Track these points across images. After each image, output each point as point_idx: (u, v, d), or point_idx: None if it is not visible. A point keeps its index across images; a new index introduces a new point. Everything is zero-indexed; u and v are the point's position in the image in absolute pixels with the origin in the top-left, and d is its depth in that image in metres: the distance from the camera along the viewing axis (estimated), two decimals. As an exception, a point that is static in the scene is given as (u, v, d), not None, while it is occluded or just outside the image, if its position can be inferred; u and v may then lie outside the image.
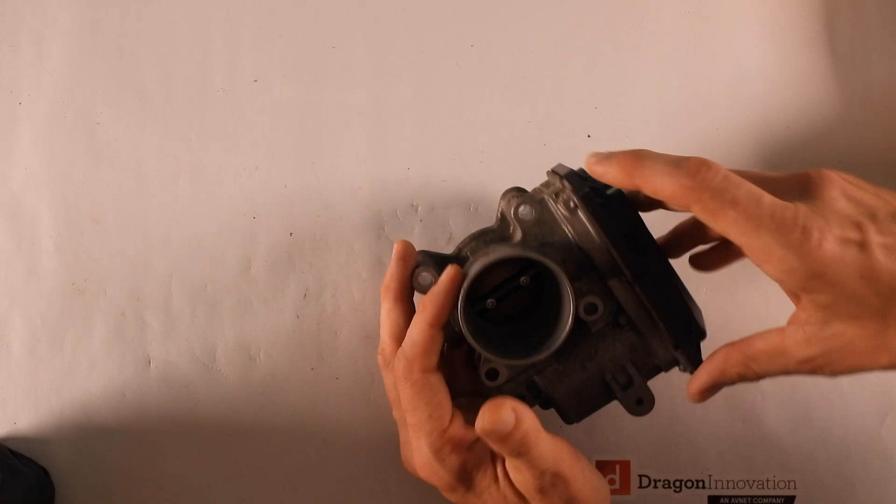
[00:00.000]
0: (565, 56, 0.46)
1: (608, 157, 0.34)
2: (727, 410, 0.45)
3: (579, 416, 0.38)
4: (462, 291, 0.35)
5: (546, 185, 0.38)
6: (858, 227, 0.31)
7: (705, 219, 0.32)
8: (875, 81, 0.47)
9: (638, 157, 0.33)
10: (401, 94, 0.46)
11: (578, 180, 0.36)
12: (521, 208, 0.36)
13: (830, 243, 0.30)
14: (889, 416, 0.45)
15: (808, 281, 0.30)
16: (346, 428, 0.44)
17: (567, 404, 0.38)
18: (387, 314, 0.38)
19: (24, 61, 0.45)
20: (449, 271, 0.36)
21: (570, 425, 0.39)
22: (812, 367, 0.33)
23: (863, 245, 0.30)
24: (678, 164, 0.32)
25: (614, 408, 0.38)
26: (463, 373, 0.40)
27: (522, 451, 0.35)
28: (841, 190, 0.32)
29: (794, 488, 0.45)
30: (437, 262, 0.38)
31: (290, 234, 0.45)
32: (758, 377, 0.35)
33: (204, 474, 0.44)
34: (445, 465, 0.37)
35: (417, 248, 0.45)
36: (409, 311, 0.38)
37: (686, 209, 0.32)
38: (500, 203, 0.38)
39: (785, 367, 0.33)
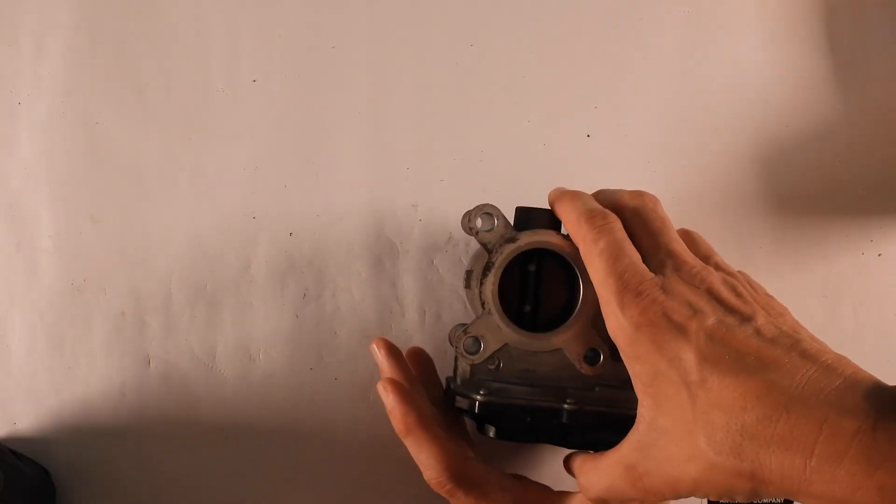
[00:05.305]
0: (565, 56, 0.46)
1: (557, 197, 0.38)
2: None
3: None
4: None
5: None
6: (694, 307, 0.31)
7: (584, 262, 0.35)
8: (875, 81, 0.47)
9: (561, 194, 0.37)
10: (401, 94, 0.46)
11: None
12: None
13: (653, 311, 0.31)
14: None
15: (630, 344, 0.32)
16: (345, 428, 0.44)
17: None
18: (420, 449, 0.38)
19: (23, 61, 0.45)
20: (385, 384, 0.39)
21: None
22: (632, 479, 0.32)
23: (684, 327, 0.31)
24: (589, 208, 0.35)
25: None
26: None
27: None
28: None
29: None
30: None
31: (290, 234, 0.45)
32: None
33: (204, 474, 0.44)
34: None
35: (416, 248, 0.45)
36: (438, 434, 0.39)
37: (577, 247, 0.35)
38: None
39: (609, 486, 0.34)
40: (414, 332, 0.45)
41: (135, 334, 0.44)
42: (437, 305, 0.45)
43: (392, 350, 0.41)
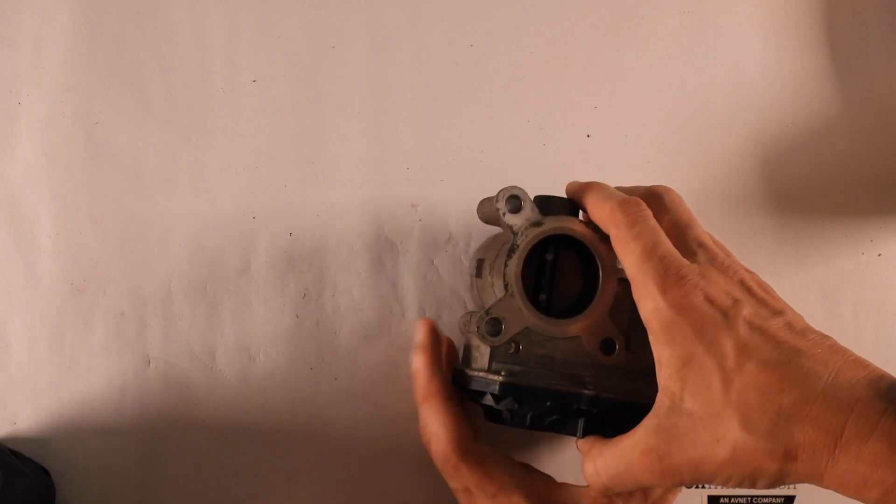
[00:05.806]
0: (565, 56, 0.46)
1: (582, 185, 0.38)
2: (727, 410, 0.45)
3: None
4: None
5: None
6: (733, 296, 0.32)
7: (615, 246, 0.35)
8: (875, 81, 0.47)
9: (589, 184, 0.37)
10: (401, 94, 0.46)
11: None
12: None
13: (696, 296, 0.32)
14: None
15: (667, 328, 0.32)
16: (346, 428, 0.44)
17: None
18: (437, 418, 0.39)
19: (23, 61, 0.45)
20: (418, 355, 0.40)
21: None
22: (650, 462, 0.33)
23: (725, 313, 0.32)
24: (621, 196, 0.35)
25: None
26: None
27: None
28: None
29: (795, 488, 0.45)
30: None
31: (290, 234, 0.45)
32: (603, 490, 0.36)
33: (204, 474, 0.44)
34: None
35: (416, 248, 0.45)
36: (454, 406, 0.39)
37: (607, 232, 0.35)
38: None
39: (626, 469, 0.34)
40: (414, 332, 0.45)
41: (135, 334, 0.44)
42: (437, 305, 0.45)
43: (434, 330, 0.42)
